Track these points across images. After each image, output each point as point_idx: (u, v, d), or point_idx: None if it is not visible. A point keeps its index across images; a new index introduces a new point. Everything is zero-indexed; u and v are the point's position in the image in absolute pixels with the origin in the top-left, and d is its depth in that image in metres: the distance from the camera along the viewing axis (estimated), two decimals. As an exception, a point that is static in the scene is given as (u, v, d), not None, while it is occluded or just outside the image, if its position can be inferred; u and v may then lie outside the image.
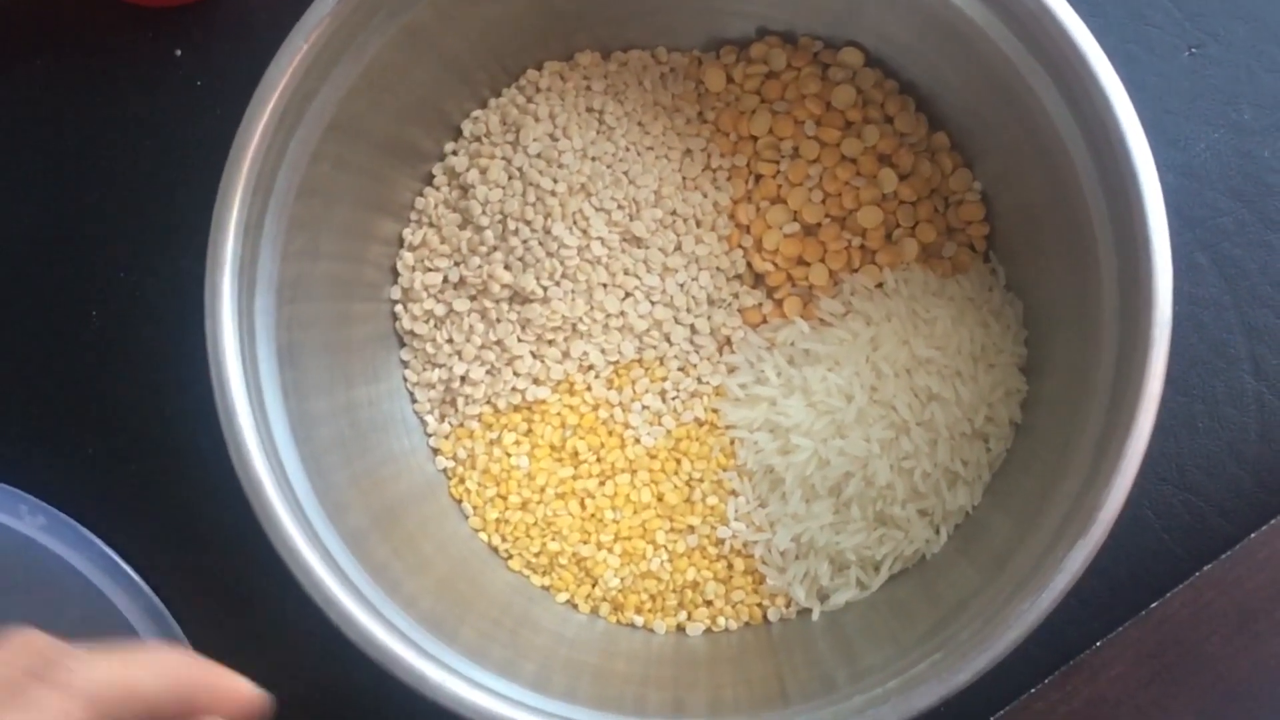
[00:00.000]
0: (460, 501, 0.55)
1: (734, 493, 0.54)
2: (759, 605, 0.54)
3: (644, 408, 0.55)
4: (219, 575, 0.56)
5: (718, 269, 0.55)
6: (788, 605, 0.54)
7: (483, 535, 0.55)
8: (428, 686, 0.45)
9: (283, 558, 0.45)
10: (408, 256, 0.56)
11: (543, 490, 0.54)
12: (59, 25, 0.60)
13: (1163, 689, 0.55)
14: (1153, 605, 0.55)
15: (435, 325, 0.55)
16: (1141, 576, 0.56)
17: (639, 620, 0.54)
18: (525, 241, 0.53)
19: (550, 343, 0.54)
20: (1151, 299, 0.45)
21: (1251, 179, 0.58)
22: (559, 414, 0.55)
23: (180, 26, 0.59)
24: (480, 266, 0.54)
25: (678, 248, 0.55)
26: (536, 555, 0.54)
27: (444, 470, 0.56)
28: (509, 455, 0.54)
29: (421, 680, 0.45)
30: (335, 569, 0.46)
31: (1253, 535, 0.55)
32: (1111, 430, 0.45)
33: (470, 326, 0.55)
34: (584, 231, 0.54)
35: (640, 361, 0.55)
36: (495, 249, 0.54)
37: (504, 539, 0.55)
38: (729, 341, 0.55)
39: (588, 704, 0.48)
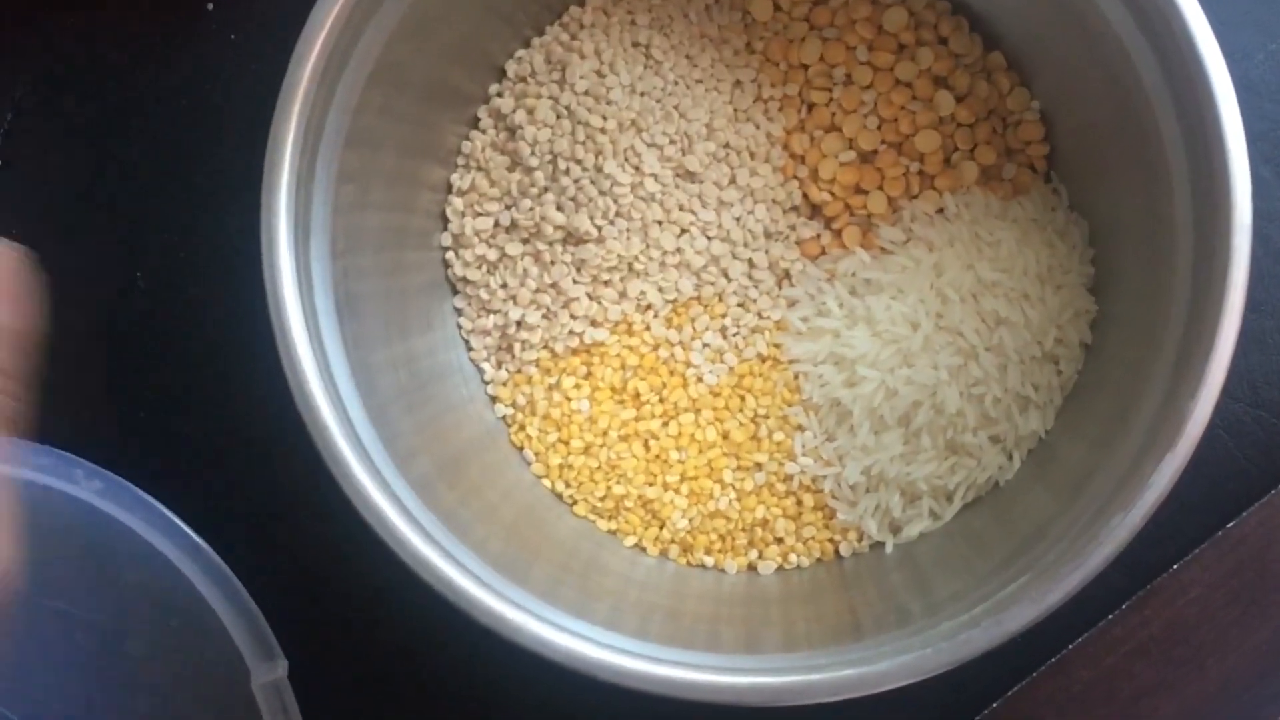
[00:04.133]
0: (521, 449, 0.54)
1: (800, 428, 0.53)
2: (830, 541, 0.53)
3: (705, 345, 0.54)
4: (278, 532, 0.56)
5: (773, 201, 0.54)
6: (860, 539, 0.53)
7: (545, 482, 0.54)
8: (508, 627, 0.44)
9: (354, 504, 0.44)
10: (457, 202, 0.55)
11: (605, 433, 0.53)
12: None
13: (1242, 609, 0.54)
14: (1229, 526, 0.55)
15: (488, 271, 0.54)
16: (1216, 497, 0.55)
17: (709, 561, 0.53)
18: (577, 181, 0.52)
19: (606, 283, 0.53)
20: (1230, 205, 0.44)
21: (1312, 89, 0.56)
22: (618, 355, 0.54)
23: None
24: (532, 209, 0.53)
25: (732, 181, 0.54)
26: (602, 499, 0.53)
27: (503, 418, 0.55)
28: (569, 399, 0.54)
29: (501, 621, 0.44)
30: (406, 514, 0.45)
31: (1328, 450, 0.55)
32: (1192, 343, 0.44)
33: (524, 270, 0.54)
34: (636, 168, 0.53)
35: (699, 299, 0.54)
36: (546, 190, 0.53)
37: (568, 484, 0.54)
38: (788, 275, 0.54)
39: (660, 641, 0.47)
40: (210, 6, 0.59)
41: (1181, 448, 0.43)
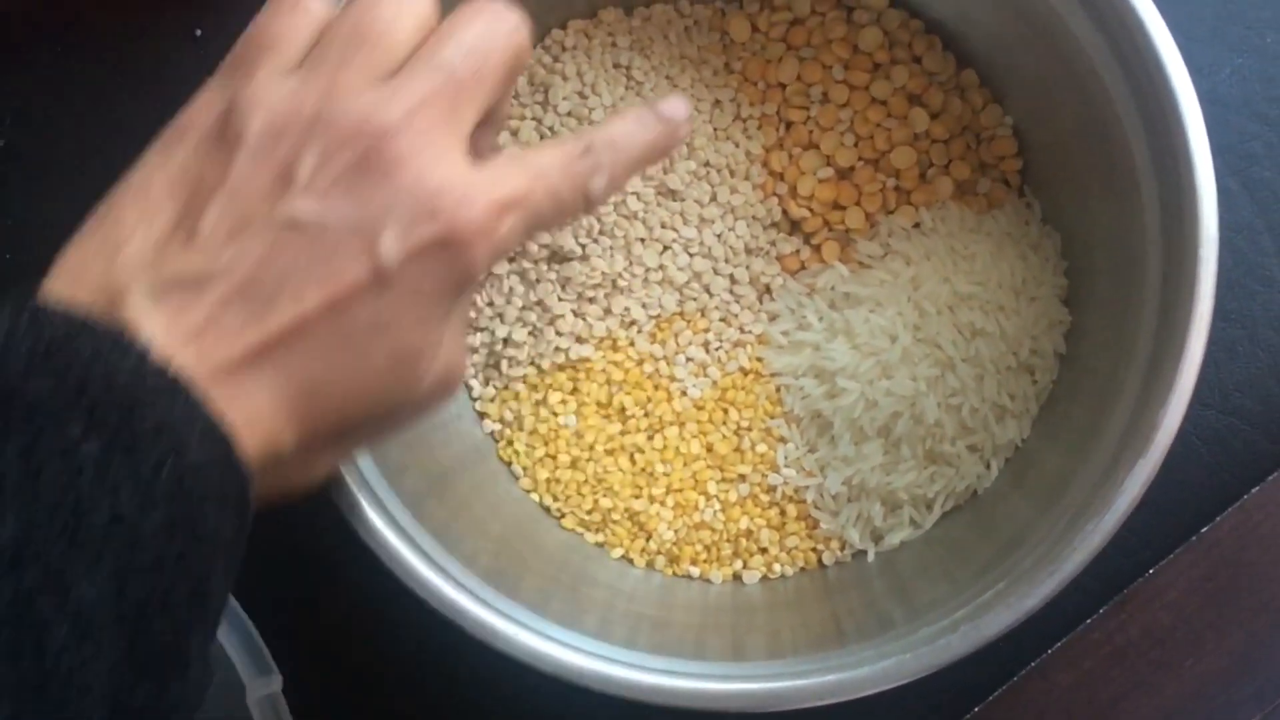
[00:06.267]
0: (509, 464, 0.55)
1: (783, 439, 0.54)
2: (814, 550, 0.54)
3: (688, 360, 0.55)
4: (272, 547, 0.56)
5: (754, 218, 0.55)
6: (842, 549, 0.54)
7: (534, 496, 0.55)
8: (498, 639, 0.45)
9: (347, 518, 0.45)
10: (443, 222, 0.56)
11: (592, 448, 0.54)
12: (73, 10, 0.59)
13: (1217, 613, 0.55)
14: (1203, 530, 0.56)
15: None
16: (1190, 502, 0.56)
17: (695, 571, 0.54)
18: (561, 200, 0.53)
19: (591, 300, 0.54)
20: (1197, 218, 0.45)
21: (1277, 102, 0.58)
22: (604, 371, 0.55)
23: (200, 5, 0.59)
24: (517, 228, 0.54)
25: (713, 199, 0.55)
26: (589, 513, 0.54)
27: (491, 433, 0.56)
28: (556, 415, 0.55)
29: (492, 633, 0.45)
30: (398, 529, 0.46)
31: (1299, 455, 0.56)
32: (1162, 352, 0.45)
33: (510, 289, 0.55)
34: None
35: (682, 314, 0.55)
36: (531, 209, 0.54)
37: (555, 498, 0.55)
38: (769, 289, 0.55)
39: (648, 650, 0.48)
40: (199, 33, 0.59)
41: (1153, 454, 0.44)
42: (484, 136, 0.40)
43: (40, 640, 0.29)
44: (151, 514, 0.31)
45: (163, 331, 0.34)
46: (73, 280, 0.35)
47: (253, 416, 0.34)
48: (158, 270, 0.35)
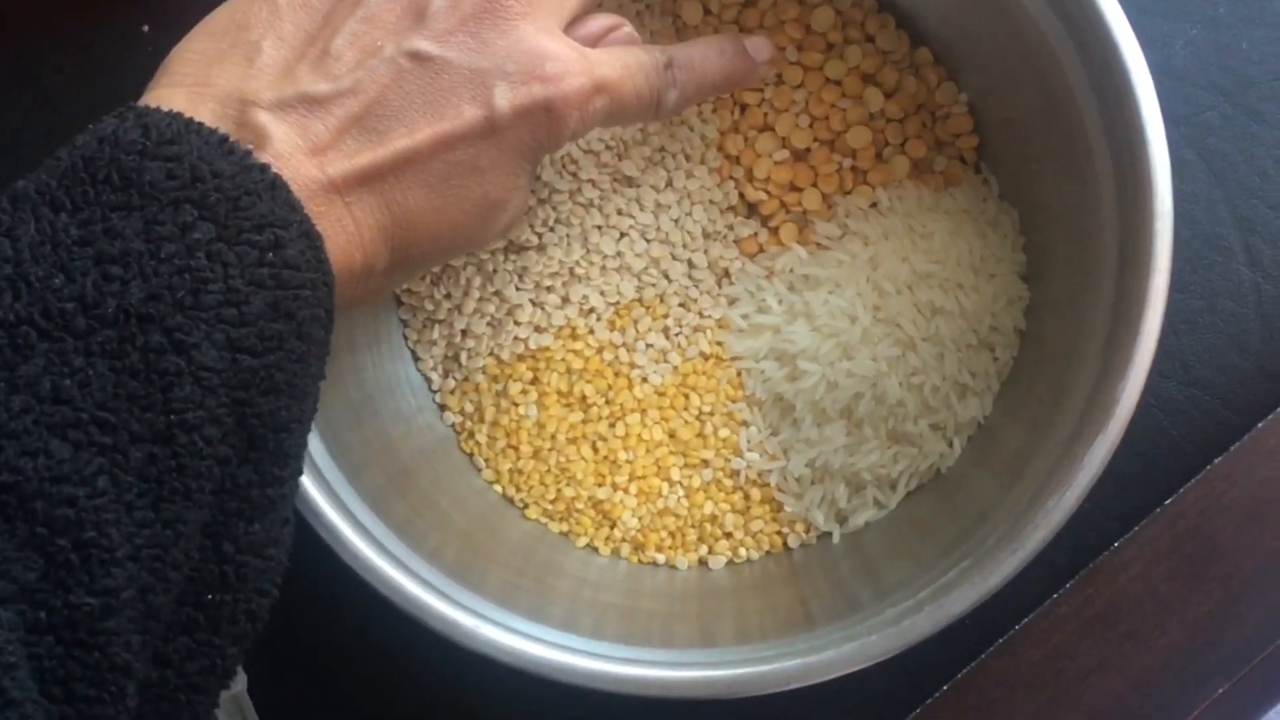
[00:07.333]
0: (471, 456, 0.55)
1: (745, 423, 0.54)
2: (779, 533, 0.54)
3: (648, 346, 0.55)
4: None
5: (710, 202, 0.55)
6: (807, 531, 0.54)
7: (496, 488, 0.55)
8: (461, 633, 0.44)
9: (306, 518, 0.44)
10: (398, 214, 0.55)
11: (553, 437, 0.54)
12: (20, 7, 0.59)
13: (1183, 583, 0.56)
14: (1166, 502, 0.56)
15: (432, 282, 0.55)
16: (1153, 474, 0.56)
17: (660, 558, 0.54)
18: (516, 189, 0.53)
19: (549, 289, 0.54)
20: (1151, 192, 0.45)
21: (1231, 72, 0.58)
22: (564, 360, 0.54)
23: (148, 1, 0.58)
24: (472, 218, 0.54)
25: (669, 184, 0.54)
26: (553, 502, 0.54)
27: (452, 426, 0.55)
28: (516, 405, 0.54)
29: (455, 628, 0.44)
30: (358, 526, 0.45)
31: (1260, 425, 0.56)
32: (1120, 327, 0.45)
33: (467, 280, 0.54)
34: (574, 175, 0.54)
35: (641, 301, 0.55)
36: (486, 199, 0.53)
37: (519, 489, 0.54)
38: (727, 273, 0.55)
39: (615, 640, 0.48)
40: (146, 28, 0.59)
41: (1112, 430, 0.44)
42: (573, 31, 0.42)
43: (167, 393, 0.32)
44: (257, 295, 0.33)
45: (287, 142, 0.36)
46: (198, 84, 0.37)
47: (358, 233, 0.37)
48: (289, 84, 0.37)
